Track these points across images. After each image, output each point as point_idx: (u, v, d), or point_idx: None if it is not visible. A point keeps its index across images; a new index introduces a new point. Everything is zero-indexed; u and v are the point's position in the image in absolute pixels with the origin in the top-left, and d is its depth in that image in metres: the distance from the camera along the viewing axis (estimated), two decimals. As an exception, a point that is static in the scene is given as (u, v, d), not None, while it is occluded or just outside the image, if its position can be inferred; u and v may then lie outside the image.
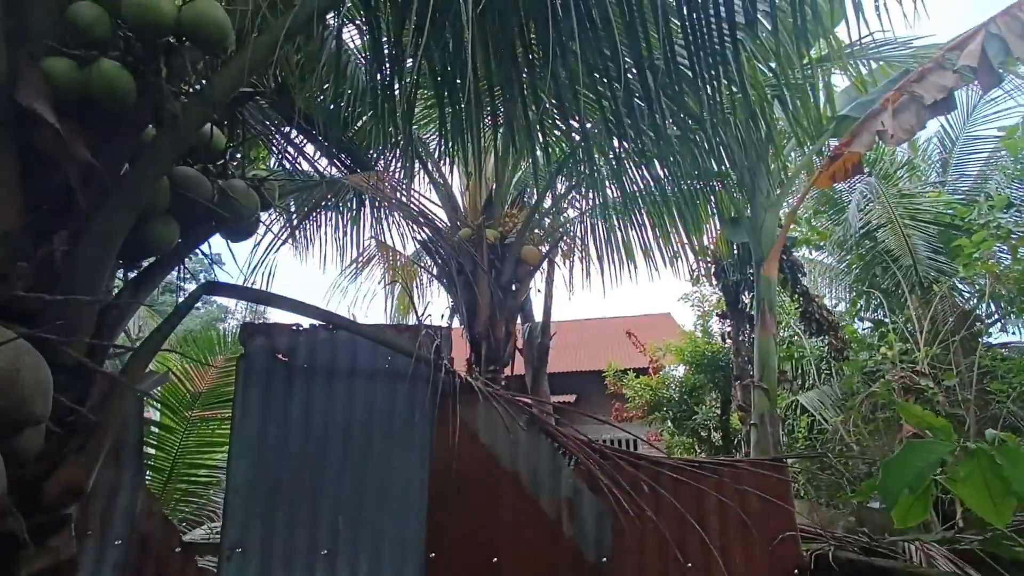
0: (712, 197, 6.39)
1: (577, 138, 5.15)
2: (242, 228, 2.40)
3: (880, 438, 6.71)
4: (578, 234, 6.71)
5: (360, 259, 6.05)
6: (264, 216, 4.70)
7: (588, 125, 5.10)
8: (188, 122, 1.91)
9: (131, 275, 2.20)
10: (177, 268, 2.31)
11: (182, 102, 1.94)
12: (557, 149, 5.74)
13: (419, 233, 5.26)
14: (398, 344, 2.64)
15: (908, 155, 9.40)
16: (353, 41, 4.74)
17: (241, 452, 2.59)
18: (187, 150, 2.19)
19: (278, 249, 4.67)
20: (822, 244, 8.56)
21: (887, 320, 8.58)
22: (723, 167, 5.68)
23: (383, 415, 2.74)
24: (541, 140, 5.43)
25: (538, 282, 7.74)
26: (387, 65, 2.97)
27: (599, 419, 4.14)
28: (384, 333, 2.72)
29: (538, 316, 7.95)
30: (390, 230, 5.67)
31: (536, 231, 6.06)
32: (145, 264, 2.22)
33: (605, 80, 4.84)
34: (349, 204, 5.59)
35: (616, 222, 6.57)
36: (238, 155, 2.50)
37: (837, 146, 5.46)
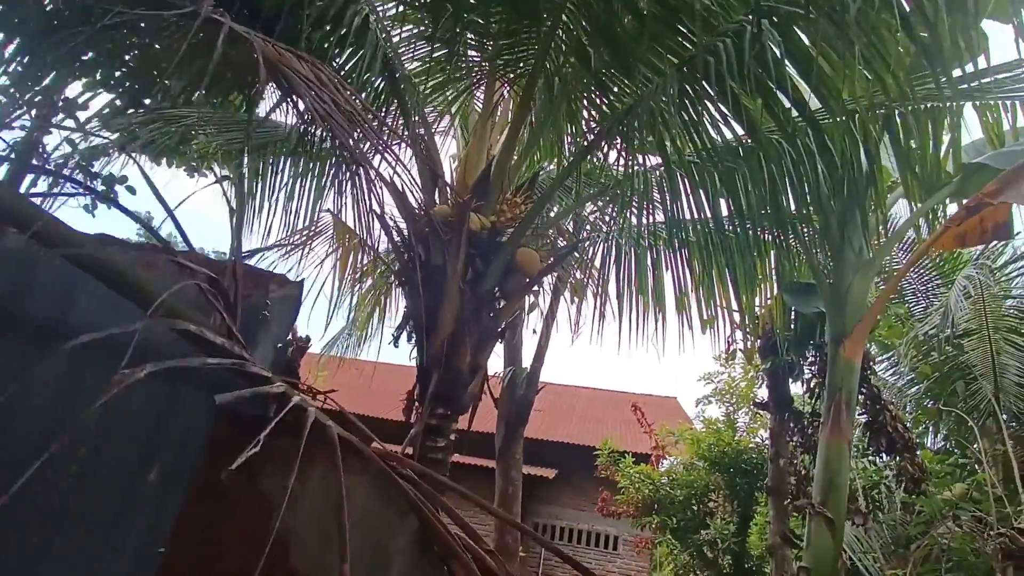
0: (773, 252, 4.89)
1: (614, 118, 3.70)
2: None
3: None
4: (596, 262, 5.17)
5: (312, 230, 4.52)
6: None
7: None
8: None
9: None
10: None
11: None
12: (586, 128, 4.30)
13: (377, 199, 3.74)
14: (135, 282, 1.07)
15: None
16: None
17: None
18: None
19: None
20: (889, 343, 6.93)
21: (955, 450, 6.86)
22: (805, 209, 4.21)
23: (99, 452, 1.13)
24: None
25: (535, 321, 6.18)
26: None
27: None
28: (112, 257, 1.14)
29: (527, 362, 6.35)
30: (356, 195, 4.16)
31: (545, 243, 4.54)
32: None
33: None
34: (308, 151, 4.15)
35: (649, 255, 5.05)
36: None
37: (975, 196, 3.95)
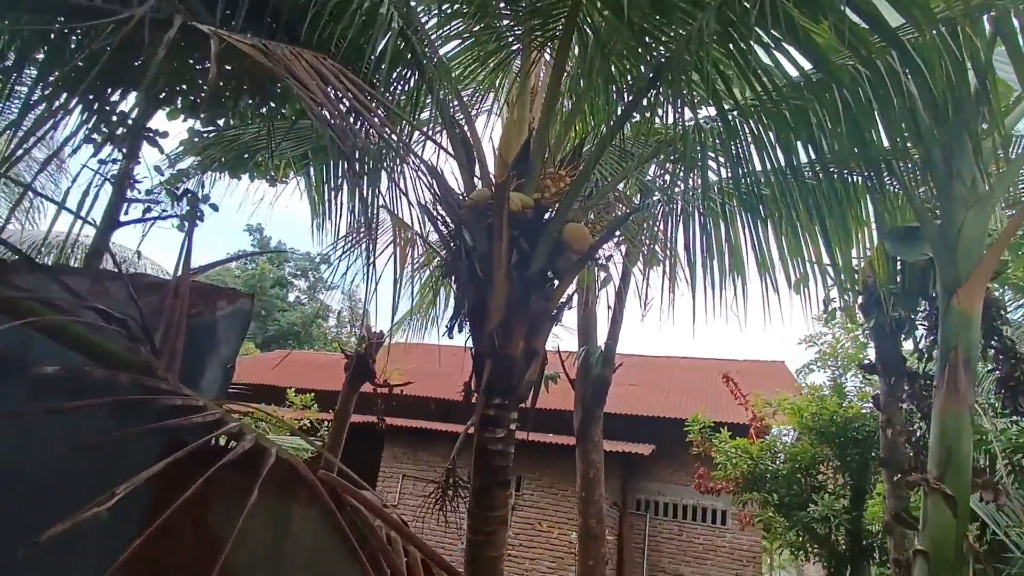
0: (869, 196, 4.34)
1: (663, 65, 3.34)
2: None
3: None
4: (667, 230, 4.81)
5: (366, 229, 4.55)
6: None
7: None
8: None
9: None
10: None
11: None
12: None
13: (422, 192, 3.67)
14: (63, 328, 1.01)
15: None
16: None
17: None
18: None
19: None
20: (1026, 285, 5.97)
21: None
22: (901, 141, 3.66)
23: (52, 490, 1.13)
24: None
25: (608, 296, 5.92)
26: None
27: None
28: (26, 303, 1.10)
29: (601, 340, 6.11)
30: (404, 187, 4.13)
31: (612, 213, 4.28)
32: None
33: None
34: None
35: (723, 217, 4.62)
36: None
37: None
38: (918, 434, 4.44)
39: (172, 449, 1.06)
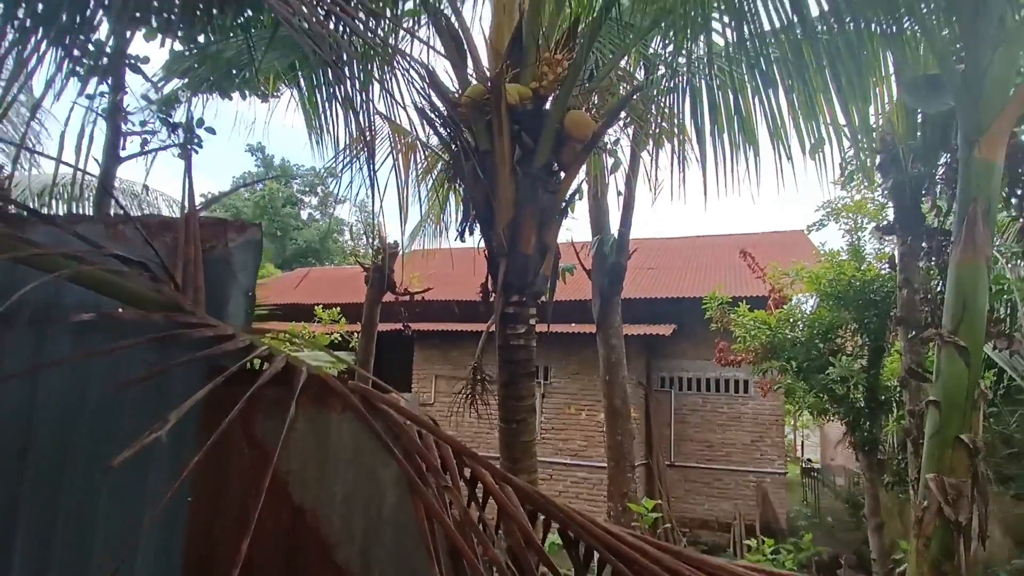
0: (887, 46, 4.09)
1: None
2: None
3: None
4: (673, 107, 4.61)
5: (367, 137, 4.46)
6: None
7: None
8: None
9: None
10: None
11: None
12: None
13: (419, 94, 3.54)
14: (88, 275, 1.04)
15: None
16: None
17: None
18: None
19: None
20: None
21: None
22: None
23: (103, 416, 1.22)
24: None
25: (618, 182, 5.83)
26: None
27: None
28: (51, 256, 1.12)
29: (614, 228, 6.08)
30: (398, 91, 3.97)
31: (604, 96, 4.10)
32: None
33: None
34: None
35: (731, 86, 4.40)
36: None
37: None
38: (936, 291, 4.47)
39: (212, 376, 1.12)
